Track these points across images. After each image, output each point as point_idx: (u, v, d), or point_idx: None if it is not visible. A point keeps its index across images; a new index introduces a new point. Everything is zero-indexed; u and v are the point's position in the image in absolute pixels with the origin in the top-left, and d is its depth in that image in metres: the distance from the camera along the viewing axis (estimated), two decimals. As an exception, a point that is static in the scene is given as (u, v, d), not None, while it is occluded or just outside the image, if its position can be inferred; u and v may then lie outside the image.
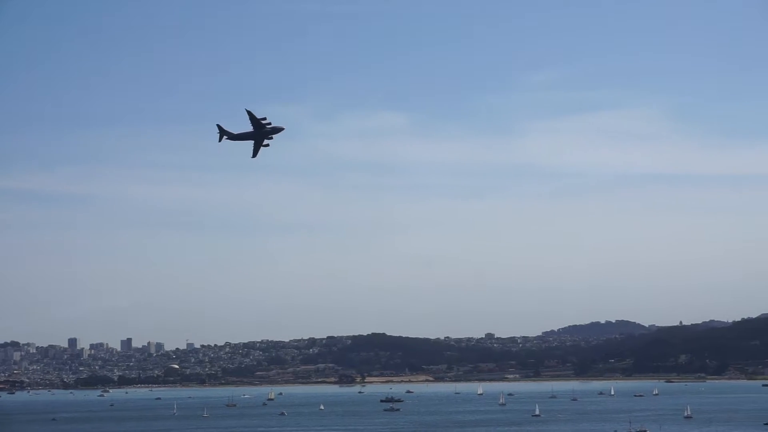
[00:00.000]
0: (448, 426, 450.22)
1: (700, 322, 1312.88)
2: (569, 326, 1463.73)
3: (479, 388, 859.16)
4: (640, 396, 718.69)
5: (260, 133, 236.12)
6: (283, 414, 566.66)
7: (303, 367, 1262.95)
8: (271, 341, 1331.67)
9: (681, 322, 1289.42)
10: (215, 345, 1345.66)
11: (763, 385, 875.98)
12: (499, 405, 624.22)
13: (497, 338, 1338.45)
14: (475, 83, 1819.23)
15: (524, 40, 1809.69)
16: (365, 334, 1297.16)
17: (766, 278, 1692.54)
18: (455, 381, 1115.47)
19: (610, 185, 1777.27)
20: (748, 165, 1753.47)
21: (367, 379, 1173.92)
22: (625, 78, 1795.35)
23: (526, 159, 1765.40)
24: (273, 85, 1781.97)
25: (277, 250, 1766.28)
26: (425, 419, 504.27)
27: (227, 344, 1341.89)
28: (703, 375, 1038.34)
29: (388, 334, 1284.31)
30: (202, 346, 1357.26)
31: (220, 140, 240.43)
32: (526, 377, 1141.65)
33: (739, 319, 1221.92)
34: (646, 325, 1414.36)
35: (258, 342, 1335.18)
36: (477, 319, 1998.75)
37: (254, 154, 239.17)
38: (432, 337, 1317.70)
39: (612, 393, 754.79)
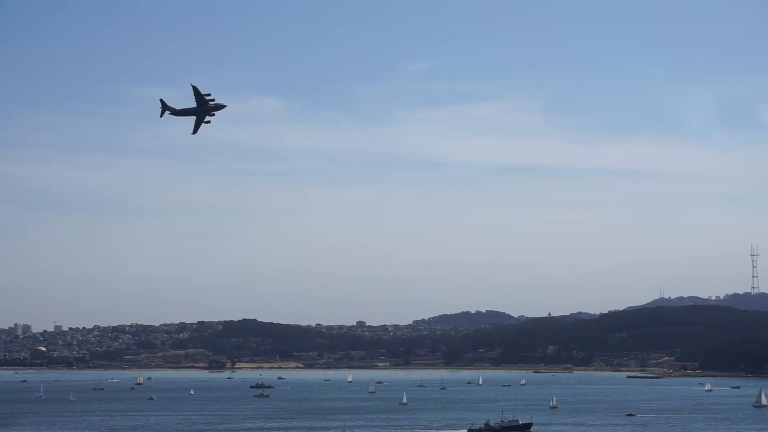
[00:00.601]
0: (317, 413, 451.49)
1: (568, 314, 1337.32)
2: (440, 315, 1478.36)
3: (349, 375, 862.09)
4: (508, 386, 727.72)
5: (203, 109, 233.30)
6: (152, 399, 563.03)
7: (173, 351, 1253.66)
8: (141, 325, 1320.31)
9: (549, 314, 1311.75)
10: (84, 328, 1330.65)
11: (628, 377, 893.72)
12: (369, 393, 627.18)
13: (368, 326, 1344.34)
14: (351, 71, 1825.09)
15: (400, 29, 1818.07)
16: (236, 319, 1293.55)
17: (632, 272, 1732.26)
18: (326, 368, 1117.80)
19: (483, 176, 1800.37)
20: (620, 160, 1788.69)
21: (238, 365, 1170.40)
22: (500, 70, 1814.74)
23: (401, 148, 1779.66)
24: (151, 67, 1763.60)
25: (149, 233, 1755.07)
26: (295, 406, 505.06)
27: (96, 327, 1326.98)
28: (569, 366, 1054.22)
29: (259, 320, 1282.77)
30: (71, 328, 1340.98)
31: (161, 115, 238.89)
32: (396, 365, 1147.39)
33: (606, 312, 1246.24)
34: (516, 316, 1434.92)
35: (127, 326, 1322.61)
36: (348, 306, 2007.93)
37: (195, 131, 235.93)
38: (303, 324, 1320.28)
39: (480, 382, 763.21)
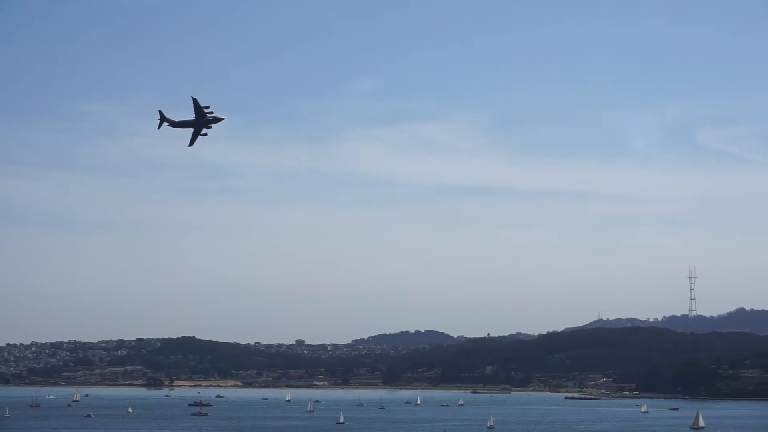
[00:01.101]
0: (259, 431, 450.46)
1: (507, 334, 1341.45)
2: (379, 335, 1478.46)
3: (288, 394, 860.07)
4: (447, 406, 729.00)
5: (201, 121, 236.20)
6: (89, 416, 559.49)
7: (110, 368, 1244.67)
8: (79, 342, 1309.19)
9: (488, 334, 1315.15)
10: (21, 344, 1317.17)
11: (566, 398, 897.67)
12: (308, 412, 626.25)
13: (307, 345, 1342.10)
14: (295, 89, 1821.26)
15: (346, 48, 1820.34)
16: (175, 337, 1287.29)
17: (571, 293, 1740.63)
18: (264, 387, 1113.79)
19: (427, 196, 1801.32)
20: (563, 181, 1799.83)
21: (176, 382, 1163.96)
22: (445, 90, 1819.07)
23: (345, 167, 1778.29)
24: (93, 82, 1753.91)
25: (90, 249, 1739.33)
26: (233, 424, 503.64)
27: (33, 343, 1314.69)
28: (508, 386, 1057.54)
29: (198, 338, 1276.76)
30: (8, 344, 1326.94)
31: (159, 126, 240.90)
32: (334, 385, 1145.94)
33: (545, 333, 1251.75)
34: (455, 336, 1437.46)
35: (65, 342, 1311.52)
36: (287, 325, 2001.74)
37: (191, 143, 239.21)
38: (242, 342, 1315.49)
39: (419, 402, 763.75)
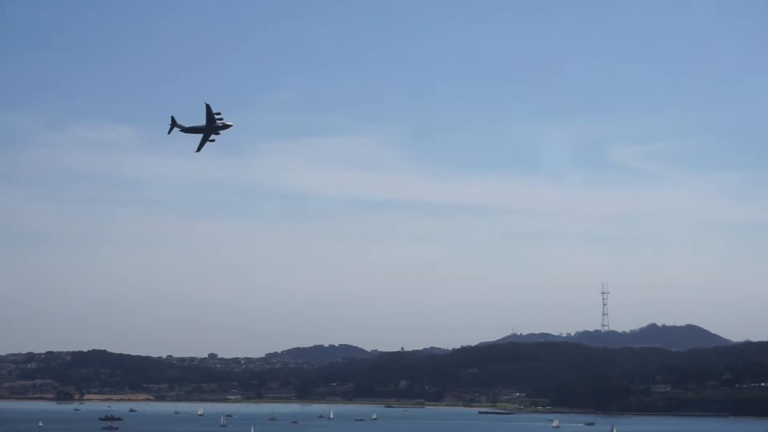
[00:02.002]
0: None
1: (421, 348, 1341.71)
2: (293, 348, 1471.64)
3: (200, 408, 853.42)
4: (361, 420, 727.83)
5: (211, 127, 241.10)
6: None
7: (20, 382, 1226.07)
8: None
9: (402, 348, 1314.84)
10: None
11: (479, 413, 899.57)
12: (220, 426, 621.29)
13: (220, 359, 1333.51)
14: (210, 101, 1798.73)
15: (260, 60, 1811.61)
16: (85, 350, 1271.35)
17: (485, 308, 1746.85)
18: (176, 401, 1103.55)
19: (341, 210, 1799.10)
20: (477, 196, 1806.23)
21: (86, 396, 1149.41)
22: (359, 103, 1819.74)
23: (259, 180, 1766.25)
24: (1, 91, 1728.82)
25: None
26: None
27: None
28: (422, 401, 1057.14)
29: (109, 351, 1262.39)
30: None
31: (169, 132, 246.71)
32: (247, 399, 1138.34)
33: (459, 347, 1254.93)
34: (369, 350, 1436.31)
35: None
36: (200, 338, 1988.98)
37: (199, 148, 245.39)
38: (154, 355, 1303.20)
39: (332, 416, 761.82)
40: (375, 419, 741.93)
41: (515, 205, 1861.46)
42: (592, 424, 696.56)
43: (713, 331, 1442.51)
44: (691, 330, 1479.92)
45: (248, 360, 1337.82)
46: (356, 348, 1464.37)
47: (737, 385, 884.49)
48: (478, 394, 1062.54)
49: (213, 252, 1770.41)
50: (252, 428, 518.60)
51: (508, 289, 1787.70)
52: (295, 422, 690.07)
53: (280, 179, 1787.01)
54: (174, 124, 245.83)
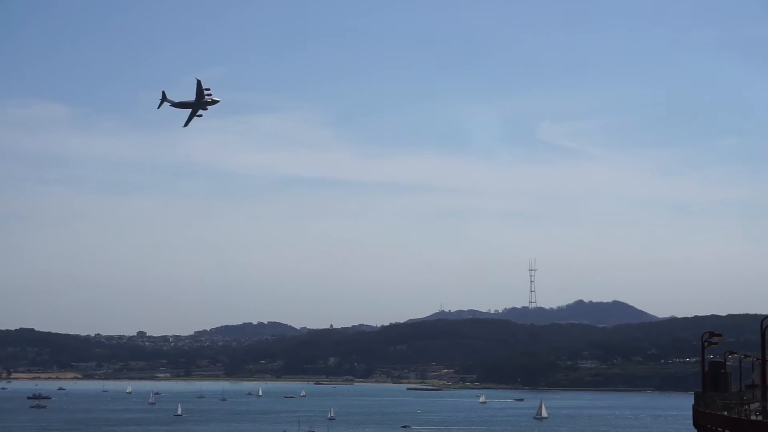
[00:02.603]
0: (96, 424, 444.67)
1: (350, 326, 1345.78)
2: (222, 326, 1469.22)
3: (129, 386, 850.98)
4: (291, 397, 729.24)
5: (200, 103, 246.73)
6: None
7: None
8: None
9: (331, 326, 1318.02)
10: None
11: (408, 389, 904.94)
12: (149, 404, 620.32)
13: (149, 336, 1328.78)
14: (135, 79, 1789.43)
15: (189, 37, 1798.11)
16: (13, 329, 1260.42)
17: (414, 285, 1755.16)
18: (105, 379, 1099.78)
19: (271, 187, 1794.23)
20: (406, 174, 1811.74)
21: (14, 375, 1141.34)
22: (288, 81, 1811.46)
23: (189, 158, 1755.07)
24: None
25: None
26: (73, 417, 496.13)
27: None
28: (351, 378, 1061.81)
29: (36, 329, 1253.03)
30: None
31: (159, 106, 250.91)
32: (176, 376, 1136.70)
33: (387, 324, 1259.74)
34: (298, 328, 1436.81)
35: None
36: (129, 316, 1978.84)
37: (186, 123, 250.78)
38: (82, 333, 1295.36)
39: (260, 394, 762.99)
40: (304, 396, 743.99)
41: (444, 184, 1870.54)
42: (521, 399, 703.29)
43: (639, 307, 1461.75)
44: (618, 306, 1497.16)
45: (177, 338, 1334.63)
46: (285, 325, 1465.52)
47: (662, 361, 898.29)
48: (407, 370, 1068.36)
49: (141, 230, 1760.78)
50: (179, 406, 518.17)
51: (436, 267, 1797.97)
52: (224, 399, 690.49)
53: (209, 158, 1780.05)
54: (164, 98, 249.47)
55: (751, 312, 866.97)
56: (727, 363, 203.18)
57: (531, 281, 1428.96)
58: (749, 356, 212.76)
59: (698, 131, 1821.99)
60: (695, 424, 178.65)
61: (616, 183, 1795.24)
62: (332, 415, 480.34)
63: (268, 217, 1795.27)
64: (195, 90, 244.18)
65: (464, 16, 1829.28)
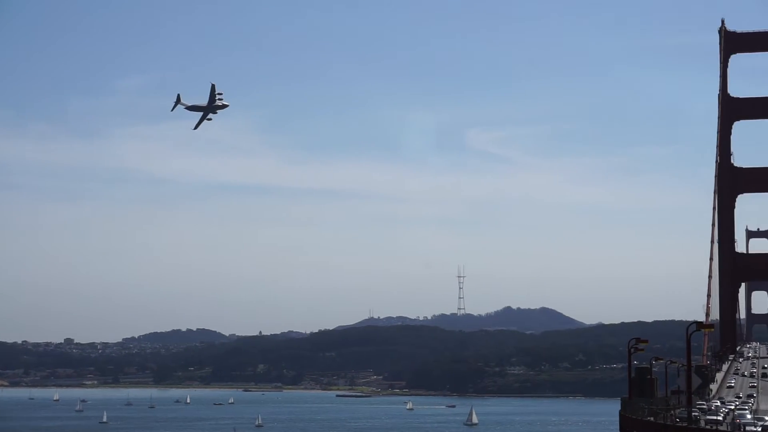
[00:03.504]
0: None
1: (279, 332, 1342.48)
2: (150, 333, 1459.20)
3: (56, 393, 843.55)
4: (220, 404, 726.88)
5: (211, 106, 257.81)
6: None
7: None
8: None
9: (260, 332, 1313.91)
10: None
11: (337, 396, 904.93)
12: (76, 411, 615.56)
13: (76, 344, 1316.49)
14: (65, 85, 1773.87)
15: (114, 43, 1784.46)
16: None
17: (343, 291, 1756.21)
18: (32, 386, 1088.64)
19: (201, 194, 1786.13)
20: (337, 180, 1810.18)
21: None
22: (220, 88, 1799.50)
23: (120, 164, 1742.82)
24: None
25: None
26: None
27: None
28: (280, 384, 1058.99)
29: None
30: None
31: (173, 109, 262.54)
32: (104, 384, 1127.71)
33: (317, 331, 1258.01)
34: (227, 335, 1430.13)
35: None
36: (56, 323, 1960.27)
37: (197, 126, 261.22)
38: (8, 341, 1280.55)
39: (188, 401, 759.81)
40: (232, 403, 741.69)
41: (374, 191, 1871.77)
42: (453, 406, 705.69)
43: (567, 313, 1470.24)
44: (545, 313, 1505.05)
45: (105, 345, 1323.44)
46: (214, 332, 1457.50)
47: (589, 367, 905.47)
48: (336, 377, 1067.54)
49: (71, 236, 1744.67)
50: (105, 413, 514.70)
51: (365, 273, 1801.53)
52: (152, 407, 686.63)
53: (140, 163, 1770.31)
54: (178, 101, 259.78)
55: (677, 318, 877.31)
56: (653, 369, 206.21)
57: (460, 288, 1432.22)
58: (675, 362, 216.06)
59: (625, 139, 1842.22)
60: (622, 430, 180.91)
61: (544, 190, 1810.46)
62: (260, 422, 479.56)
63: (196, 224, 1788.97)
64: (209, 94, 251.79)
65: (397, 25, 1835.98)
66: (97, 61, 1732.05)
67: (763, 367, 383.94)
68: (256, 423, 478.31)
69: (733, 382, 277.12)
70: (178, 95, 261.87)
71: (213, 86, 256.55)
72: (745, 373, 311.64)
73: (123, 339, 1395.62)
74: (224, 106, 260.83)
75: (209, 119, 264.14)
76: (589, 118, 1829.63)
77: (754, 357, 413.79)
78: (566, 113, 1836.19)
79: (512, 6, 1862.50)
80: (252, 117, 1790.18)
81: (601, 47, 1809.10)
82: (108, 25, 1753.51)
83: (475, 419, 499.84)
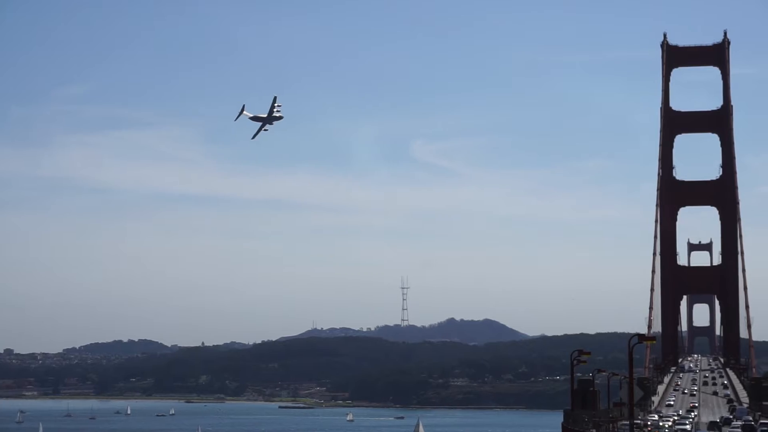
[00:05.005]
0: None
1: (221, 343, 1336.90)
2: (91, 344, 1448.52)
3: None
4: (162, 416, 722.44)
5: (270, 117, 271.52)
6: None
7: None
8: None
9: (203, 343, 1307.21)
10: None
11: (280, 407, 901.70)
12: (16, 423, 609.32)
13: (16, 354, 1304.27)
14: (5, 94, 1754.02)
15: (55, 53, 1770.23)
16: None
17: (286, 302, 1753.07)
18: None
19: (144, 204, 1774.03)
20: (280, 191, 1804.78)
21: None
22: (160, 98, 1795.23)
23: (61, 173, 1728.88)
24: None
25: None
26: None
27: None
28: (222, 396, 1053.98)
29: None
30: None
31: (236, 118, 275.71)
32: (44, 395, 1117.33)
33: (260, 342, 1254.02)
34: (169, 345, 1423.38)
35: None
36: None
37: (254, 136, 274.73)
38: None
39: (129, 412, 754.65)
40: (173, 414, 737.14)
41: (319, 201, 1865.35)
42: (402, 417, 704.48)
43: (510, 325, 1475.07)
44: (488, 324, 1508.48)
45: (45, 355, 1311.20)
46: (156, 343, 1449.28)
47: (532, 379, 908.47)
48: (279, 388, 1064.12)
49: (9, 246, 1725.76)
50: (41, 425, 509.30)
51: (309, 284, 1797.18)
52: (92, 418, 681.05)
53: (81, 173, 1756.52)
54: (242, 111, 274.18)
55: (620, 330, 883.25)
56: (596, 381, 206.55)
57: (403, 299, 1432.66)
58: (617, 374, 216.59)
59: (569, 152, 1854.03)
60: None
61: (487, 202, 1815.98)
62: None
63: (139, 234, 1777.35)
64: (270, 105, 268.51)
65: (342, 36, 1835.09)
66: (37, 69, 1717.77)
67: (705, 376, 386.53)
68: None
69: (672, 401, 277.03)
70: (243, 106, 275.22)
71: (275, 98, 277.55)
72: (685, 391, 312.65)
73: (64, 350, 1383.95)
74: (280, 118, 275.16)
75: (266, 130, 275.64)
76: (533, 130, 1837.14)
77: (694, 370, 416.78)
78: (509, 125, 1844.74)
79: (455, 18, 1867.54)
80: (196, 127, 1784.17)
81: (545, 60, 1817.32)
82: (50, 32, 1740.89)
83: (422, 430, 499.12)
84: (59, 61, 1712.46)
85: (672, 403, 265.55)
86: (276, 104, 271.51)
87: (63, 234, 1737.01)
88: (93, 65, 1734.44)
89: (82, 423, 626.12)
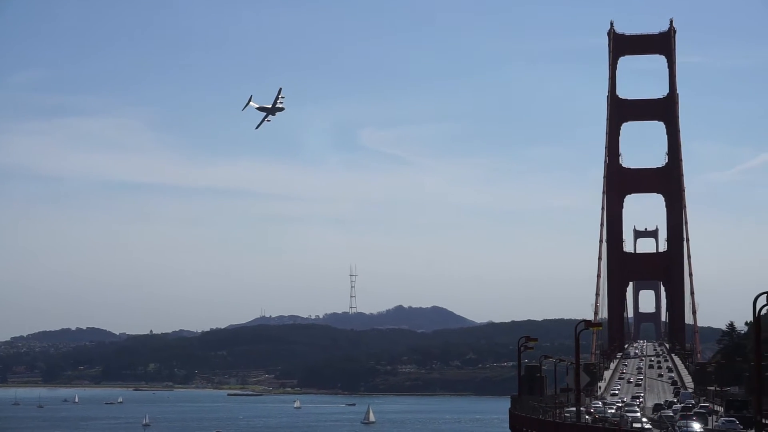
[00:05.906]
0: None
1: (170, 331, 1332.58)
2: (39, 332, 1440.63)
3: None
4: (111, 404, 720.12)
5: (274, 108, 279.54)
6: None
7: None
8: None
9: (151, 331, 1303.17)
10: None
11: (228, 395, 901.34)
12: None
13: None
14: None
15: (8, 37, 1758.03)
16: None
17: (235, 290, 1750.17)
18: None
19: (94, 192, 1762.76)
20: (229, 179, 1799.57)
21: None
22: (108, 85, 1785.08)
23: (9, 161, 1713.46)
24: None
25: None
26: None
27: None
28: (170, 384, 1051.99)
29: None
30: None
31: (244, 108, 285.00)
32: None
33: (208, 330, 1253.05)
34: (117, 333, 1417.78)
35: None
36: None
37: (258, 126, 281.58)
38: None
39: (76, 400, 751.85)
40: (121, 402, 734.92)
41: (269, 189, 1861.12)
42: (353, 404, 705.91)
43: (458, 312, 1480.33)
44: (437, 311, 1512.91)
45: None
46: (104, 331, 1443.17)
47: (480, 365, 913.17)
48: (228, 376, 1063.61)
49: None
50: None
51: (257, 272, 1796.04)
52: (40, 407, 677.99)
53: (30, 160, 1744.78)
54: (249, 101, 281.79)
55: (566, 317, 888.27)
56: (543, 367, 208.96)
57: (352, 287, 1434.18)
58: (564, 360, 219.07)
59: (517, 139, 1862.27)
60: (511, 427, 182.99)
61: (436, 190, 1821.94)
62: (147, 421, 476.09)
63: (87, 222, 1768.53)
64: (275, 96, 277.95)
65: (292, 24, 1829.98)
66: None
67: (650, 360, 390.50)
68: (144, 422, 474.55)
69: (617, 390, 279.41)
70: (251, 96, 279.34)
71: (280, 89, 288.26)
72: (631, 380, 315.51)
73: (11, 338, 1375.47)
74: (282, 109, 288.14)
75: (268, 120, 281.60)
76: (482, 118, 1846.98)
77: (639, 356, 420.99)
78: (458, 114, 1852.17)
79: (407, 6, 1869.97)
80: (145, 115, 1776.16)
81: (494, 48, 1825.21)
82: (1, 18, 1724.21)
83: (372, 417, 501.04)
84: (11, 47, 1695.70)
85: (617, 392, 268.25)
86: (280, 95, 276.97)
87: (10, 222, 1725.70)
88: (43, 52, 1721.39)
89: (30, 411, 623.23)
